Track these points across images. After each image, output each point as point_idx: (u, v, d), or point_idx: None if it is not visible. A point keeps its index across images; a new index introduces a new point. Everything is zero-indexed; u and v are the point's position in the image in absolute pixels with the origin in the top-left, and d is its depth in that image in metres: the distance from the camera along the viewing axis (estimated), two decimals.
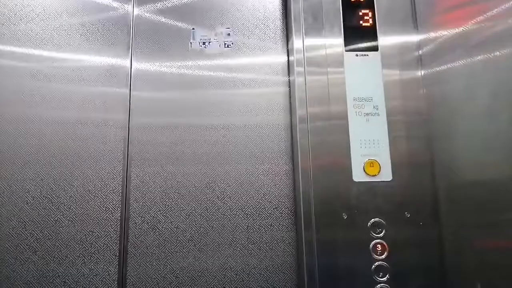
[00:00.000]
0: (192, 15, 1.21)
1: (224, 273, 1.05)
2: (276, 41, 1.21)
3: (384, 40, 1.08)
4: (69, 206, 1.07)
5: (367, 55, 1.07)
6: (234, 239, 1.07)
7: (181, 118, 1.14)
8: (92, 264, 1.04)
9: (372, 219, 0.96)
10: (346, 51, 1.07)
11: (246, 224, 1.08)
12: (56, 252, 1.04)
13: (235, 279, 1.05)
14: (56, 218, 1.06)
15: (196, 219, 1.08)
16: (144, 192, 1.09)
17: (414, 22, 1.10)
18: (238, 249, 1.06)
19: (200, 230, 1.07)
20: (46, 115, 1.12)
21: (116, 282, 1.03)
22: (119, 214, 1.07)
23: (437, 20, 1.03)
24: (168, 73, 1.17)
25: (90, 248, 1.05)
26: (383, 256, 0.94)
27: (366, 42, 1.08)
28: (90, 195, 1.08)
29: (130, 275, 1.04)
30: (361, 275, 0.93)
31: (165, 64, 1.18)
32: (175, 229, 1.07)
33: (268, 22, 1.22)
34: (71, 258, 1.04)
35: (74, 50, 1.17)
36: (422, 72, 1.06)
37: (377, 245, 0.94)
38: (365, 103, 1.03)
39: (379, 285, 0.93)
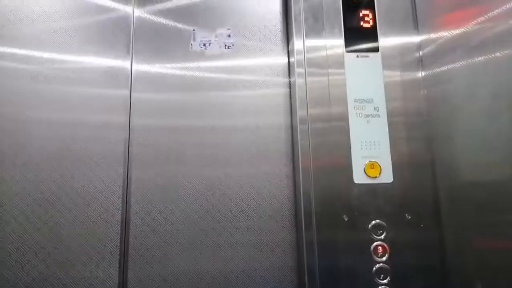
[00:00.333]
0: (192, 17, 1.21)
1: (225, 275, 1.05)
2: (277, 42, 1.21)
3: (385, 41, 1.08)
4: (69, 208, 1.07)
5: (368, 56, 1.07)
6: (235, 241, 1.07)
7: (181, 120, 1.14)
8: (93, 266, 1.04)
9: (373, 221, 0.96)
10: (347, 52, 1.07)
11: (247, 225, 1.08)
12: (56, 255, 1.04)
13: (236, 281, 1.04)
14: (56, 220, 1.06)
15: (197, 221, 1.08)
16: (145, 194, 1.09)
17: (415, 23, 1.10)
18: (239, 250, 1.06)
19: (201, 232, 1.07)
20: (46, 117, 1.12)
21: (117, 285, 1.03)
22: (119, 216, 1.07)
23: (437, 21, 1.03)
24: (169, 74, 1.17)
25: (90, 251, 1.05)
26: (384, 258, 0.94)
27: (366, 43, 1.08)
28: (90, 197, 1.08)
29: (130, 277, 1.04)
30: (362, 277, 0.93)
31: (166, 65, 1.18)
32: (175, 231, 1.07)
33: (269, 23, 1.22)
34: (71, 260, 1.04)
35: (75, 52, 1.17)
36: (423, 73, 1.06)
37: (378, 247, 0.94)
38: (365, 104, 1.03)
39: (380, 287, 0.93)
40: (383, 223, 0.96)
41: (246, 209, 1.08)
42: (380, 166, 0.99)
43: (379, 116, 1.02)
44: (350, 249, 0.95)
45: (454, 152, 0.94)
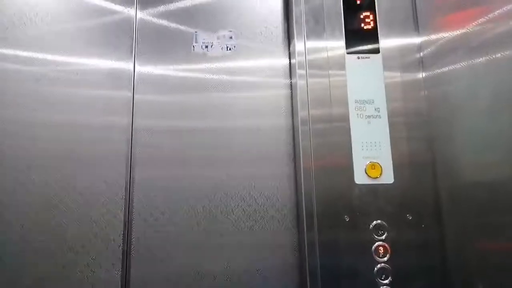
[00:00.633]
0: (194, 19, 1.22)
1: (227, 275, 1.05)
2: (278, 44, 1.21)
3: (385, 42, 1.09)
4: (72, 209, 1.07)
5: (369, 57, 1.07)
6: (237, 241, 1.07)
7: (184, 121, 1.15)
8: (96, 267, 1.04)
9: (374, 221, 0.96)
10: (348, 53, 1.07)
11: (249, 226, 1.08)
12: (59, 255, 1.05)
13: (238, 281, 1.05)
14: (59, 221, 1.07)
15: (199, 221, 1.08)
16: (147, 195, 1.09)
17: (415, 24, 1.10)
18: (241, 251, 1.06)
19: (203, 232, 1.07)
20: (49, 119, 1.13)
21: (119, 285, 1.04)
22: (122, 217, 1.08)
23: (438, 22, 1.04)
24: (171, 76, 1.18)
25: (93, 251, 1.05)
26: (385, 258, 0.94)
27: (367, 44, 1.08)
28: (93, 198, 1.08)
29: (133, 278, 1.05)
30: (363, 277, 0.94)
31: (168, 67, 1.19)
32: (178, 232, 1.07)
33: (270, 25, 1.23)
34: (74, 260, 1.04)
35: (78, 54, 1.18)
36: (424, 74, 1.07)
37: (379, 247, 0.95)
38: (366, 105, 1.03)
39: (381, 287, 0.93)
40: (384, 223, 0.96)
41: (248, 209, 1.09)
42: (381, 167, 0.99)
43: (380, 117, 1.03)
44: (352, 249, 0.95)
45: (455, 152, 0.95)
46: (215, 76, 1.18)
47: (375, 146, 1.01)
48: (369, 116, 1.03)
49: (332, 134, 1.02)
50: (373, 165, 0.99)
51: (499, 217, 0.80)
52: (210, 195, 1.10)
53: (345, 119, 1.03)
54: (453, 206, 0.95)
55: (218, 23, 1.22)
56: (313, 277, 0.94)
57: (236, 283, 1.05)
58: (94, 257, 1.05)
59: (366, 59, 1.07)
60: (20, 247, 1.05)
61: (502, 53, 0.80)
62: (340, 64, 1.07)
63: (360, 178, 0.99)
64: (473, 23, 0.89)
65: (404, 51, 1.09)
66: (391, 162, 1.00)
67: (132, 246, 1.06)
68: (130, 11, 1.22)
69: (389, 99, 1.04)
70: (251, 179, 1.11)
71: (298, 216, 1.07)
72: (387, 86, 1.05)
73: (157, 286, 1.04)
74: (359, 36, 1.09)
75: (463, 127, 0.92)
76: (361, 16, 1.10)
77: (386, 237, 0.95)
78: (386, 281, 0.93)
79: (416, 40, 1.09)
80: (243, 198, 1.10)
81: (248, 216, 1.09)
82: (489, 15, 0.84)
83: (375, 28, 1.09)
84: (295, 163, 1.11)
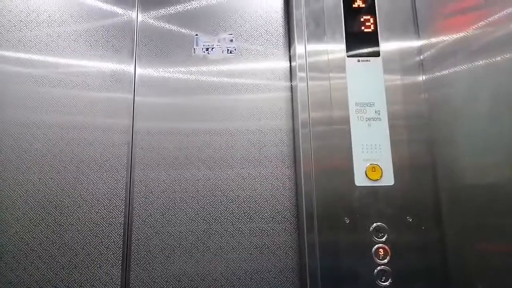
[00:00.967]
0: (195, 22, 1.23)
1: (226, 277, 1.05)
2: (278, 47, 1.22)
3: (386, 45, 1.09)
4: (72, 211, 1.07)
5: (369, 60, 1.07)
6: (236, 243, 1.07)
7: (184, 123, 1.15)
8: (96, 268, 1.04)
9: (374, 224, 0.96)
10: (348, 56, 1.08)
11: (249, 228, 1.08)
12: (59, 256, 1.05)
13: (238, 282, 1.05)
14: (59, 222, 1.07)
15: (199, 223, 1.08)
16: (148, 197, 1.09)
17: (415, 27, 1.11)
18: (241, 253, 1.06)
19: (203, 234, 1.07)
20: (50, 120, 1.13)
21: (119, 286, 1.04)
22: (122, 218, 1.08)
23: (438, 26, 1.04)
24: (172, 78, 1.19)
25: (93, 252, 1.05)
26: (385, 261, 0.94)
27: (367, 47, 1.09)
28: (93, 199, 1.08)
29: (133, 279, 1.05)
30: (363, 279, 0.93)
31: (169, 69, 1.19)
32: (178, 233, 1.07)
33: (270, 28, 1.23)
34: (74, 262, 1.05)
35: (79, 56, 1.18)
36: (424, 77, 1.07)
37: (379, 249, 0.95)
38: (367, 108, 1.04)
39: None
40: (384, 225, 0.96)
41: (248, 211, 1.09)
42: (381, 169, 0.99)
43: (380, 119, 1.03)
44: (352, 251, 0.95)
45: (455, 154, 0.95)
46: (215, 79, 1.19)
47: (376, 148, 1.01)
48: (369, 119, 1.03)
49: (333, 137, 1.02)
50: (373, 167, 0.99)
51: (499, 219, 0.80)
52: (210, 196, 1.10)
53: (346, 121, 1.03)
54: (453, 208, 0.95)
55: (218, 26, 1.23)
56: (313, 279, 0.94)
57: (236, 285, 1.05)
58: (94, 258, 1.05)
59: (367, 62, 1.07)
60: (20, 248, 1.05)
61: (502, 56, 0.80)
62: (340, 67, 1.07)
63: (360, 180, 0.99)
64: (473, 27, 0.89)
65: (404, 54, 1.09)
66: (392, 164, 1.00)
67: (132, 248, 1.06)
68: (131, 14, 1.23)
69: (389, 102, 1.04)
70: (251, 181, 1.11)
71: (298, 218, 1.07)
72: (388, 89, 1.06)
73: (157, 287, 1.04)
74: (359, 39, 1.09)
75: (463, 129, 0.92)
76: (362, 19, 1.10)
77: (386, 239, 0.95)
78: (386, 283, 0.93)
79: (416, 43, 1.10)
80: (243, 200, 1.10)
81: (248, 218, 1.09)
82: (489, 19, 0.85)
83: (375, 31, 1.10)
84: (295, 165, 1.11)
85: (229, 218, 1.09)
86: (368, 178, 0.99)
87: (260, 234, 1.07)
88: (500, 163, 0.80)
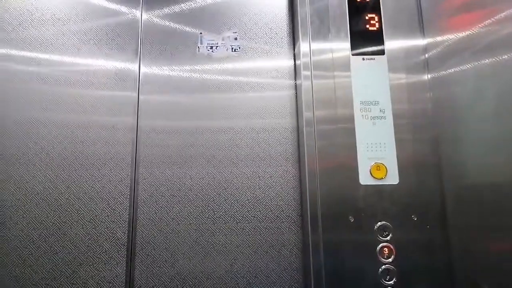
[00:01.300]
0: (199, 20, 1.23)
1: (231, 275, 1.05)
2: (283, 45, 1.22)
3: (391, 44, 1.09)
4: (77, 208, 1.08)
5: (374, 59, 1.07)
6: (241, 241, 1.07)
7: (188, 122, 1.15)
8: (101, 265, 1.05)
9: (379, 222, 0.96)
10: (353, 55, 1.08)
11: (253, 226, 1.08)
12: (65, 254, 1.05)
13: (242, 281, 1.05)
14: (64, 220, 1.07)
15: (203, 221, 1.08)
16: (152, 195, 1.10)
17: (420, 26, 1.10)
18: (245, 251, 1.07)
19: (207, 232, 1.08)
20: (55, 118, 1.14)
21: (123, 284, 1.04)
22: (127, 216, 1.08)
23: (443, 24, 1.04)
24: (176, 77, 1.19)
25: (98, 250, 1.06)
26: (390, 260, 0.94)
27: (372, 46, 1.08)
28: (98, 197, 1.09)
29: (137, 277, 1.05)
30: (368, 278, 0.93)
31: (173, 68, 1.19)
32: (182, 232, 1.08)
33: (275, 27, 1.23)
34: (79, 259, 1.05)
35: (84, 55, 1.19)
36: (429, 76, 1.06)
37: (384, 248, 0.94)
38: (371, 106, 1.03)
39: None
40: (389, 224, 0.96)
41: (252, 210, 1.09)
42: (386, 168, 0.99)
43: (385, 118, 1.02)
44: (356, 250, 0.95)
45: (460, 153, 0.94)
46: (219, 77, 1.19)
47: (380, 147, 1.01)
48: (374, 117, 1.03)
49: (337, 135, 1.02)
50: (378, 166, 0.99)
51: (505, 219, 0.80)
52: (214, 195, 1.10)
53: (350, 120, 1.03)
54: (458, 207, 0.95)
55: (223, 24, 1.23)
56: (318, 278, 0.94)
57: (240, 283, 1.05)
58: (99, 256, 1.05)
59: (371, 61, 1.07)
60: (26, 246, 1.05)
61: (508, 55, 0.80)
62: (345, 66, 1.07)
63: (365, 179, 0.99)
64: (479, 25, 0.89)
65: (409, 52, 1.09)
66: (396, 163, 1.00)
67: (137, 245, 1.07)
68: (135, 13, 1.23)
69: (394, 101, 1.04)
70: (255, 179, 1.11)
71: (302, 217, 1.07)
72: (392, 88, 1.05)
73: (161, 285, 1.05)
74: (364, 37, 1.09)
75: (468, 128, 0.92)
76: (366, 18, 1.10)
77: (391, 238, 0.95)
78: (391, 282, 0.93)
79: (421, 41, 1.09)
80: (247, 198, 1.10)
81: (252, 216, 1.09)
82: (495, 17, 0.84)
83: (380, 30, 1.09)
84: (299, 164, 1.11)
85: (233, 216, 1.09)
86: (373, 176, 0.98)
87: (265, 233, 1.08)
88: (506, 162, 0.80)
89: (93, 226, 1.07)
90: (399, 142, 1.01)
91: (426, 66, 1.07)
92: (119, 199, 1.09)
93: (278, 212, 1.09)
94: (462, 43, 0.94)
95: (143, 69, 1.19)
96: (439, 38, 1.04)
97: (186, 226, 1.08)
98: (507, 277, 0.79)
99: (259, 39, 1.22)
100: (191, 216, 1.09)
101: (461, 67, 0.94)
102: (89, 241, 1.06)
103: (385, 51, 1.08)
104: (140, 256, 1.06)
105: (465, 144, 0.93)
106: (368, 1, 1.11)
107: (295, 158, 1.12)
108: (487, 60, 0.86)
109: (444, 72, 1.01)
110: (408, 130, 1.02)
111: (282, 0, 1.25)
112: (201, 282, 1.05)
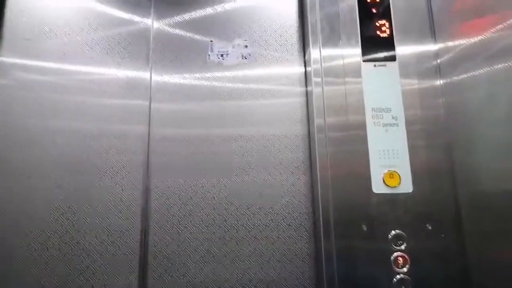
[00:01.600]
0: (210, 28, 1.23)
1: (243, 284, 1.05)
2: (293, 52, 1.22)
3: (402, 50, 1.08)
4: (90, 217, 1.09)
5: (385, 65, 1.06)
6: (253, 250, 1.07)
7: (200, 129, 1.15)
8: (114, 274, 1.05)
9: (393, 231, 0.95)
10: (364, 61, 1.07)
11: (265, 235, 1.08)
12: (78, 262, 1.06)
13: None
14: (77, 229, 1.08)
15: (215, 230, 1.08)
16: (164, 203, 1.10)
17: (432, 31, 1.09)
18: (258, 260, 1.06)
19: (219, 241, 1.08)
20: (69, 127, 1.15)
21: None
22: (139, 224, 1.08)
23: (455, 29, 1.03)
24: (187, 85, 1.19)
25: (111, 258, 1.06)
26: (405, 269, 0.93)
27: (383, 52, 1.08)
28: (111, 205, 1.10)
29: (150, 285, 1.05)
30: None
31: (184, 76, 1.20)
32: (194, 240, 1.08)
33: (285, 34, 1.23)
34: (92, 268, 1.06)
35: (96, 64, 1.20)
36: (441, 81, 1.05)
37: (398, 258, 0.93)
38: (383, 113, 1.02)
39: None
40: (403, 233, 0.95)
41: (264, 218, 1.09)
42: (399, 176, 0.98)
43: (397, 125, 1.02)
44: (370, 260, 0.94)
45: (475, 160, 0.93)
46: (230, 85, 1.19)
47: (393, 154, 1.00)
48: (386, 124, 1.02)
49: (349, 142, 1.01)
50: (391, 174, 0.98)
51: None
52: (226, 203, 1.10)
53: (362, 127, 1.02)
54: (474, 215, 0.93)
55: (233, 32, 1.23)
56: (331, 287, 0.93)
57: None
58: (111, 264, 1.06)
59: (383, 67, 1.06)
60: (40, 254, 1.06)
61: None
62: (356, 72, 1.06)
63: (377, 187, 0.98)
64: (491, 30, 0.88)
65: (420, 58, 1.08)
66: (410, 170, 0.98)
67: (149, 254, 1.07)
68: (146, 21, 1.24)
69: (406, 107, 1.03)
70: (267, 187, 1.11)
71: (315, 225, 1.07)
72: (404, 94, 1.04)
73: None
74: (375, 43, 1.08)
75: (482, 134, 0.91)
76: (377, 24, 1.09)
77: (405, 247, 0.94)
78: None
79: (433, 47, 1.08)
80: (259, 206, 1.10)
81: (264, 225, 1.08)
82: (507, 22, 0.83)
83: (391, 36, 1.09)
84: (311, 171, 1.10)
85: (245, 225, 1.08)
86: (386, 184, 0.98)
87: (277, 241, 1.07)
88: None
89: (106, 235, 1.08)
90: (412, 149, 1.00)
91: (438, 71, 1.06)
92: (132, 207, 1.09)
93: (290, 220, 1.08)
94: (474, 48, 0.93)
95: (155, 78, 1.20)
96: (451, 43, 1.03)
97: (198, 235, 1.08)
98: None
99: (269, 46, 1.22)
100: (203, 225, 1.09)
101: (473, 72, 0.94)
102: (102, 250, 1.07)
103: (397, 57, 1.07)
104: (153, 265, 1.06)
105: (479, 149, 0.92)
106: (378, 7, 1.11)
107: (306, 165, 1.12)
108: (500, 65, 0.85)
109: (456, 78, 1.00)
110: (421, 136, 1.01)
111: (292, 7, 1.25)
112: None
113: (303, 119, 1.16)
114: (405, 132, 1.01)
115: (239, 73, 1.20)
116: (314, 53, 1.10)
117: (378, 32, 1.09)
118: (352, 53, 1.08)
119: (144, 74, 1.20)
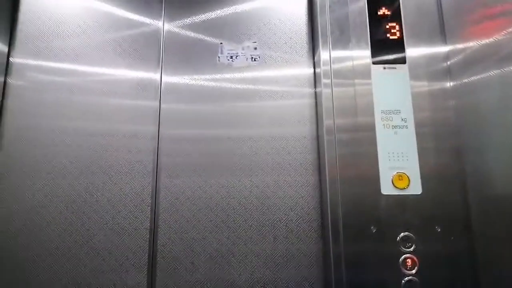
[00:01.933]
0: (220, 30, 1.24)
1: (251, 284, 1.05)
2: (302, 53, 1.22)
3: (412, 52, 1.08)
4: (100, 216, 1.10)
5: (395, 67, 1.06)
6: (261, 250, 1.07)
7: (209, 130, 1.16)
8: (122, 272, 1.06)
9: (402, 233, 0.95)
10: (373, 63, 1.07)
11: (273, 235, 1.08)
12: (87, 261, 1.07)
13: None
14: (87, 227, 1.09)
15: (223, 230, 1.09)
16: (173, 203, 1.11)
17: (442, 33, 1.09)
18: (265, 260, 1.06)
19: (228, 241, 1.08)
20: (80, 127, 1.17)
21: None
22: (148, 224, 1.09)
23: (465, 32, 1.02)
24: (197, 86, 1.20)
25: (120, 257, 1.07)
26: (413, 271, 0.92)
27: (393, 54, 1.07)
28: (120, 204, 1.11)
29: (159, 284, 1.06)
30: None
31: (194, 77, 1.21)
32: (202, 240, 1.08)
33: (294, 36, 1.24)
34: (102, 266, 1.07)
35: (107, 65, 1.22)
36: (451, 83, 1.05)
37: (407, 260, 0.93)
38: (393, 115, 1.02)
39: None
40: (412, 235, 0.94)
41: (272, 218, 1.09)
42: (408, 178, 0.98)
43: (407, 127, 1.01)
44: (379, 261, 0.93)
45: (485, 163, 0.92)
46: (240, 86, 1.20)
47: (402, 156, 0.99)
48: (395, 126, 1.01)
49: (358, 144, 1.01)
50: (400, 176, 0.98)
51: None
52: (234, 203, 1.10)
53: (371, 128, 1.02)
54: (484, 218, 0.92)
55: (243, 34, 1.24)
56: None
57: None
58: (120, 263, 1.07)
59: (392, 69, 1.06)
60: (51, 253, 1.08)
61: None
62: (365, 74, 1.06)
63: (386, 188, 0.97)
64: (503, 32, 0.87)
65: (431, 60, 1.07)
66: (419, 172, 0.98)
67: (158, 253, 1.08)
68: (157, 24, 1.25)
69: (416, 109, 1.03)
70: (275, 188, 1.11)
71: (323, 226, 1.06)
72: (414, 96, 1.04)
73: None
74: (385, 46, 1.08)
75: (493, 137, 0.90)
76: (387, 26, 1.09)
77: (414, 249, 0.93)
78: None
79: (443, 49, 1.08)
80: (268, 207, 1.10)
81: (272, 226, 1.09)
82: None
83: (401, 38, 1.08)
84: (320, 173, 1.10)
85: (253, 225, 1.09)
86: (395, 186, 0.97)
87: (285, 242, 1.07)
88: None
89: (115, 233, 1.09)
90: (421, 151, 1.00)
91: (448, 73, 1.06)
92: (141, 207, 1.10)
93: (298, 221, 1.08)
94: (485, 50, 0.93)
95: (165, 79, 1.21)
96: (461, 46, 1.03)
97: (207, 235, 1.08)
98: None
99: (279, 48, 1.23)
100: (212, 225, 1.09)
101: (484, 75, 0.93)
102: (111, 248, 1.08)
103: (407, 59, 1.07)
104: (161, 264, 1.07)
105: (490, 153, 0.91)
106: (388, 10, 1.10)
107: (315, 166, 1.12)
108: (511, 68, 0.84)
109: (466, 80, 1.00)
110: (431, 139, 1.01)
111: (302, 9, 1.26)
112: None
113: (312, 120, 1.16)
114: (415, 134, 1.01)
115: (249, 74, 1.21)
116: (324, 54, 1.10)
117: (388, 35, 1.09)
118: (361, 55, 1.08)
119: (155, 75, 1.21)
